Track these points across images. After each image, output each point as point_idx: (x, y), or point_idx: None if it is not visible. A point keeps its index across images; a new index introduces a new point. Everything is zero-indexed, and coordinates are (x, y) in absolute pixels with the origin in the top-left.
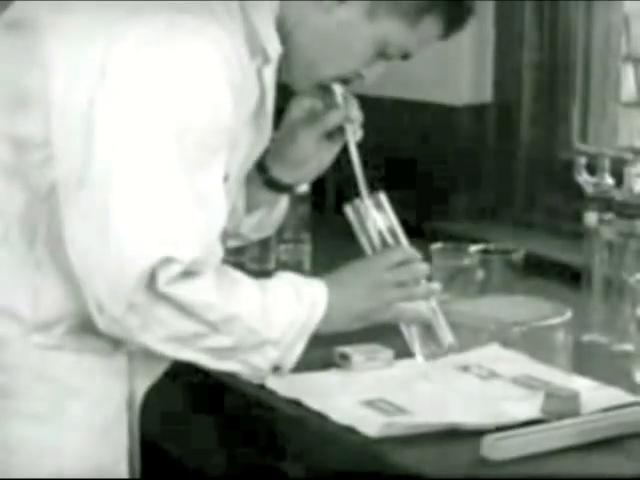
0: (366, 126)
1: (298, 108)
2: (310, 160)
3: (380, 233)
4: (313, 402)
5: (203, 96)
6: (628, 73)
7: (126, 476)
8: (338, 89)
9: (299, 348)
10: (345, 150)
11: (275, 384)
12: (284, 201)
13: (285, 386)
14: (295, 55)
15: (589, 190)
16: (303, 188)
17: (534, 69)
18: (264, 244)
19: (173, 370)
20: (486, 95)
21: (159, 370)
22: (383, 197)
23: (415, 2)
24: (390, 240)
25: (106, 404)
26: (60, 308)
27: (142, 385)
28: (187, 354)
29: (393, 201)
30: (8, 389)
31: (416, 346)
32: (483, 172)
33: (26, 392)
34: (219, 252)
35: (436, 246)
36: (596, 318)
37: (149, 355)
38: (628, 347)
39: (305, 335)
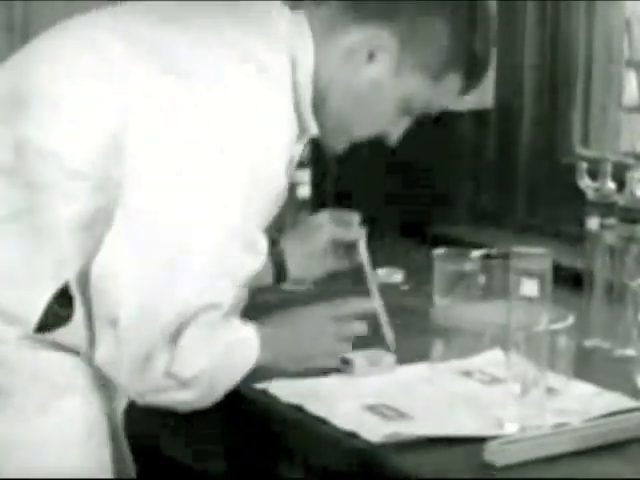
0: None
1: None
2: (314, 256)
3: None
4: (315, 407)
5: (275, 149)
6: (630, 78)
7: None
8: (356, 218)
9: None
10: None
11: (277, 389)
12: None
13: (287, 391)
14: (329, 117)
15: (591, 195)
16: (304, 193)
17: (536, 74)
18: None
19: None
20: (488, 100)
21: None
22: None
23: (438, 59)
24: None
25: (91, 404)
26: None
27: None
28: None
29: (395, 205)
30: (6, 387)
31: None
32: (485, 177)
33: (21, 390)
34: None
35: (438, 251)
36: (598, 323)
37: None
38: (630, 352)
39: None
